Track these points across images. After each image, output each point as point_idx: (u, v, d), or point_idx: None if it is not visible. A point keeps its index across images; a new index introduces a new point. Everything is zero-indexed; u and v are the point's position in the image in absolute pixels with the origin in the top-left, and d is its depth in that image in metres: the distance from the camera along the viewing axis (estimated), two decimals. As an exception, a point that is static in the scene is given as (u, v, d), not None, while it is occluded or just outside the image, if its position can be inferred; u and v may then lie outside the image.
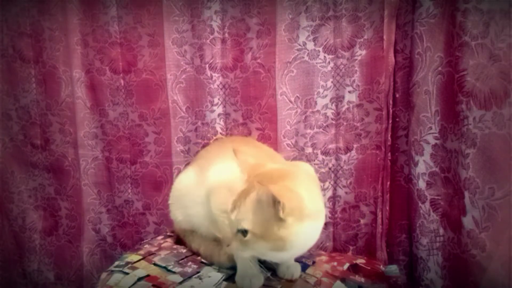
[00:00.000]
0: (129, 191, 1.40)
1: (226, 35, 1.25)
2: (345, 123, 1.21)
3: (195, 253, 1.04)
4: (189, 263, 0.99)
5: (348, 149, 1.22)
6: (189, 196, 1.06)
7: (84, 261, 1.46)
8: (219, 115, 1.29)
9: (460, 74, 0.91)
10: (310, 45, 1.18)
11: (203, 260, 1.00)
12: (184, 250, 1.06)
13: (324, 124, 1.22)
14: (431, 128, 1.03)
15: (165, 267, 0.96)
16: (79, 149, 1.40)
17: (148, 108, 1.33)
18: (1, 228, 1.51)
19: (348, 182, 1.23)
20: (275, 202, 0.72)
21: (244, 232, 0.75)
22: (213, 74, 1.27)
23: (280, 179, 0.78)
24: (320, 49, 1.18)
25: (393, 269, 1.05)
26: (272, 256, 0.83)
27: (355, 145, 1.21)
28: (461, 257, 0.93)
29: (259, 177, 0.79)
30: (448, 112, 0.97)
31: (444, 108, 0.99)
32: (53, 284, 1.50)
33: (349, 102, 1.19)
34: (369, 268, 1.02)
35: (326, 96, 1.20)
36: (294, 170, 0.86)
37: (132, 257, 1.03)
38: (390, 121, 1.16)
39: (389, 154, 1.17)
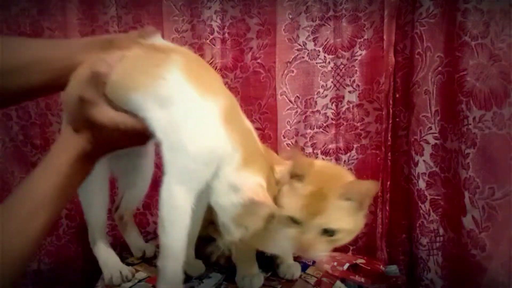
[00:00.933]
0: (129, 191, 1.40)
1: (226, 35, 1.25)
2: (345, 123, 1.20)
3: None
4: (189, 263, 0.99)
5: (348, 149, 1.22)
6: None
7: (84, 261, 1.46)
8: (219, 115, 1.29)
9: (460, 74, 0.91)
10: (310, 45, 1.18)
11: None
12: (184, 250, 1.06)
13: (324, 124, 1.21)
14: (431, 128, 1.02)
15: (165, 267, 0.95)
16: (79, 149, 1.40)
17: (148, 108, 1.33)
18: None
19: (348, 182, 1.23)
20: (366, 198, 0.72)
21: (332, 232, 0.72)
22: (213, 74, 1.27)
23: (346, 176, 0.78)
24: (320, 49, 1.18)
25: (393, 269, 1.05)
26: None
27: (355, 145, 1.21)
28: (461, 257, 0.93)
29: (326, 176, 0.76)
30: (448, 112, 0.97)
31: (444, 108, 0.99)
32: (53, 284, 1.49)
33: (349, 102, 1.19)
34: (369, 268, 1.02)
35: (326, 96, 1.20)
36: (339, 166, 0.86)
37: (133, 258, 1.03)
38: (390, 121, 1.16)
39: (389, 154, 1.17)
